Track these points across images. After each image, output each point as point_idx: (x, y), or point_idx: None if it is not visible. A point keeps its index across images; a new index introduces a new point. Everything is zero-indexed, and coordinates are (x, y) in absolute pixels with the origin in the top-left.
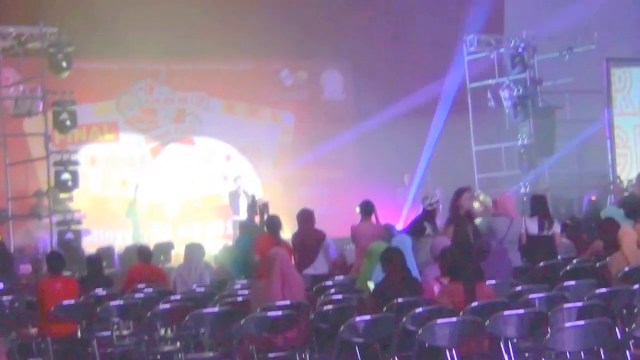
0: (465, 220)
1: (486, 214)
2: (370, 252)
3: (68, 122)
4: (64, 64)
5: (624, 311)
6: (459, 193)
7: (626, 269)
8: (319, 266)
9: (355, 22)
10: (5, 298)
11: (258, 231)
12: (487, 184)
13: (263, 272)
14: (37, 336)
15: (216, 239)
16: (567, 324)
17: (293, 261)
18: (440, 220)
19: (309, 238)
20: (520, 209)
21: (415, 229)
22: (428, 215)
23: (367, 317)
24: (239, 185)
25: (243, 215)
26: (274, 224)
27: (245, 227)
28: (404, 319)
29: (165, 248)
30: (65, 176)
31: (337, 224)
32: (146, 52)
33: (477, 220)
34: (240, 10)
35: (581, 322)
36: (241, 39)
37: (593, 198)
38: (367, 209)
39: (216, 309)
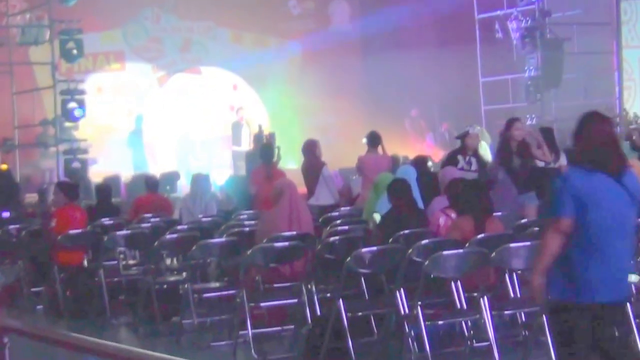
0: (512, 154)
1: None
2: (376, 183)
3: (75, 51)
4: None
5: None
6: (510, 123)
7: None
8: (321, 196)
9: None
10: (12, 227)
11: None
12: (494, 115)
13: (264, 203)
14: (45, 264)
15: (223, 169)
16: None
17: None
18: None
19: (312, 168)
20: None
21: (448, 162)
22: (462, 148)
23: (374, 248)
24: (242, 116)
25: (244, 146)
26: (266, 153)
27: (252, 158)
28: (410, 250)
29: (171, 178)
30: (72, 105)
31: (344, 154)
32: None
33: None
34: None
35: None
36: None
37: None
38: (374, 139)
39: (223, 239)
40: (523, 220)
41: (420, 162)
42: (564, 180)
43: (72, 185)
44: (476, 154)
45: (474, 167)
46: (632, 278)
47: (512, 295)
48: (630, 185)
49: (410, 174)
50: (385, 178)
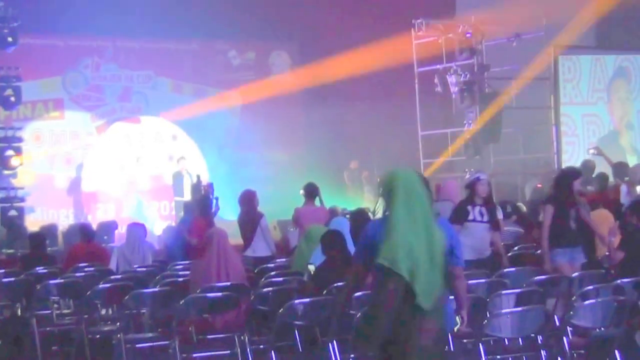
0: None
1: None
2: (308, 235)
3: (12, 98)
4: (10, 39)
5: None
6: (574, 176)
7: None
8: (258, 248)
9: (303, 3)
10: None
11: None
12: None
13: (201, 252)
14: None
15: (161, 219)
16: (504, 310)
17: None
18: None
19: (249, 219)
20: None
21: (457, 215)
22: (470, 198)
23: (307, 300)
24: (183, 166)
25: (186, 196)
26: (203, 205)
27: (189, 208)
28: None
29: (109, 227)
30: (9, 153)
31: (282, 206)
32: (93, 29)
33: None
34: None
35: (518, 309)
36: (189, 18)
37: (539, 185)
38: (311, 191)
39: (156, 289)
40: None
41: (358, 215)
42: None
43: None
44: (487, 203)
45: (485, 217)
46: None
47: None
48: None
49: (343, 226)
50: (317, 230)
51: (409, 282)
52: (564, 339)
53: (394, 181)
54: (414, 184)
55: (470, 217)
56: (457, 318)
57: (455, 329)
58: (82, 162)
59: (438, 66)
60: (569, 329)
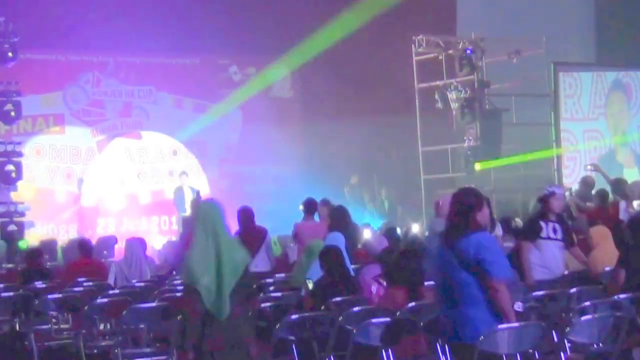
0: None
1: None
2: (309, 249)
3: (13, 113)
4: (10, 54)
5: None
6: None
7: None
8: (260, 263)
9: (304, 19)
10: None
11: None
12: (433, 185)
13: None
14: None
15: (161, 234)
16: (501, 326)
17: None
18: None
19: (250, 235)
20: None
21: (528, 231)
22: (543, 213)
23: (303, 315)
24: (184, 181)
25: (188, 211)
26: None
27: (189, 223)
28: (340, 317)
29: (109, 242)
30: (9, 167)
31: (282, 221)
32: (94, 44)
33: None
34: (189, 5)
35: (515, 325)
36: (190, 34)
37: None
38: (310, 207)
39: (153, 304)
40: None
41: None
42: None
43: None
44: (560, 219)
45: (559, 235)
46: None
47: None
48: (460, 251)
49: (339, 241)
50: (319, 244)
51: (205, 298)
52: (562, 355)
53: (197, 212)
54: (212, 214)
55: (544, 234)
56: None
57: None
58: (83, 177)
59: (438, 82)
60: (566, 345)
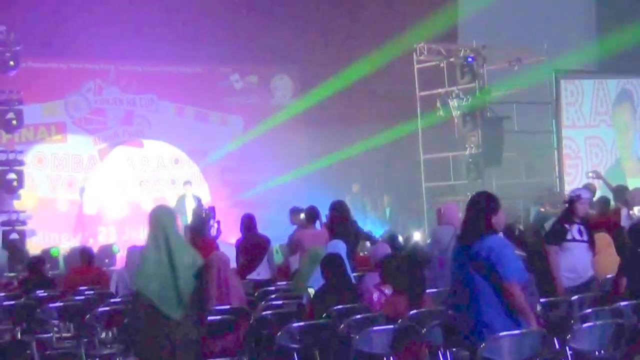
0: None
1: None
2: (311, 257)
3: (14, 122)
4: (12, 63)
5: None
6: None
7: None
8: (263, 272)
9: (305, 27)
10: None
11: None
12: (434, 193)
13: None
14: None
15: None
16: (503, 333)
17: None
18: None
19: (253, 243)
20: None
21: (554, 234)
22: (568, 216)
23: (305, 323)
24: (187, 190)
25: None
26: (197, 229)
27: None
28: (342, 325)
29: (110, 250)
30: (11, 176)
31: (283, 229)
32: (95, 52)
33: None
34: (190, 14)
35: (516, 332)
36: (191, 42)
37: (542, 209)
38: (311, 214)
39: None
40: None
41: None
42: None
43: None
44: (585, 221)
45: (585, 236)
46: None
47: None
48: (474, 254)
49: (340, 249)
50: (320, 251)
51: (156, 302)
52: None
53: (149, 218)
54: (163, 220)
55: (569, 236)
56: None
57: None
58: (85, 186)
59: (440, 90)
60: (568, 352)
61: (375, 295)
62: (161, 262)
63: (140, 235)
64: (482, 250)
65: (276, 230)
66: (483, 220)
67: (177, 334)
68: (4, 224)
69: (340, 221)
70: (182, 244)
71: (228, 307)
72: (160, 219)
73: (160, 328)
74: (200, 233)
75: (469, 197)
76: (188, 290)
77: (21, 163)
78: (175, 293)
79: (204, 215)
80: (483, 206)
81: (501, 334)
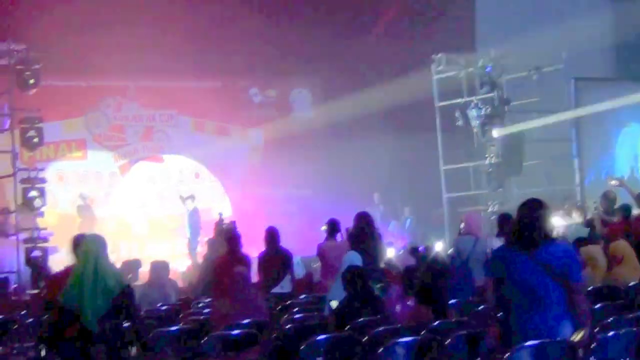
0: None
1: None
2: None
3: (35, 140)
4: (32, 81)
5: None
6: None
7: (590, 288)
8: (286, 285)
9: (323, 40)
10: None
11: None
12: (455, 203)
13: (223, 291)
14: None
15: (184, 257)
16: (526, 343)
17: (257, 279)
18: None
19: (276, 257)
20: (488, 229)
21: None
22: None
23: (329, 335)
24: (189, 206)
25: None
26: (232, 239)
27: (213, 245)
28: (365, 338)
29: (133, 266)
30: (33, 194)
31: (305, 242)
32: (114, 69)
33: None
34: (208, 29)
35: (536, 342)
36: (210, 56)
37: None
38: (333, 227)
39: (178, 328)
40: (480, 308)
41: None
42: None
43: None
44: None
45: None
46: None
47: None
48: (544, 259)
49: (354, 260)
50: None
51: (78, 315)
52: None
53: (82, 244)
54: (94, 246)
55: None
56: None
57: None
58: (106, 202)
59: (459, 100)
60: None
61: (398, 307)
62: (86, 283)
63: (162, 250)
64: (555, 254)
65: (298, 243)
66: (544, 225)
67: (99, 345)
68: (26, 241)
69: (364, 232)
70: (108, 269)
71: (250, 321)
72: (92, 246)
73: (87, 339)
74: (234, 249)
75: (490, 206)
76: (105, 308)
77: (43, 181)
78: (92, 310)
79: (226, 229)
80: (542, 212)
81: (526, 344)
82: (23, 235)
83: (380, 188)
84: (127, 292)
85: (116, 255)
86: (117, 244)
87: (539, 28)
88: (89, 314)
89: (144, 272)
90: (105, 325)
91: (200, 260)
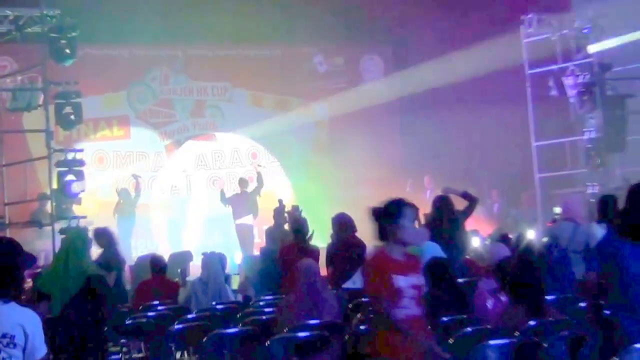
0: None
1: None
2: None
3: (72, 117)
4: (68, 51)
5: None
6: None
7: None
8: (359, 279)
9: (397, 0)
10: None
11: (287, 239)
12: (549, 184)
13: (290, 287)
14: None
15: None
16: (638, 345)
17: (326, 273)
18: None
19: (348, 248)
20: (587, 214)
21: None
22: None
23: None
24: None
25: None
26: (301, 228)
27: (273, 235)
28: (450, 339)
29: (182, 259)
30: (69, 178)
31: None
32: (160, 36)
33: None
34: None
35: None
36: (269, 21)
37: None
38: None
39: (237, 329)
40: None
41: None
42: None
43: None
44: None
45: None
46: None
47: None
48: None
49: (435, 251)
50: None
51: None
52: None
53: (65, 236)
54: (75, 240)
55: None
56: None
57: None
58: (151, 186)
59: (552, 67)
60: None
61: (490, 303)
62: (58, 271)
63: (214, 241)
64: None
65: (369, 230)
66: None
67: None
68: (62, 231)
69: (444, 219)
70: (83, 261)
71: (319, 321)
72: (74, 239)
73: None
74: (301, 238)
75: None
76: (72, 292)
77: (81, 163)
78: (59, 295)
79: (290, 215)
80: None
81: (638, 345)
82: (59, 225)
83: (461, 169)
84: (95, 280)
85: (163, 247)
86: (162, 234)
87: None
88: (58, 300)
89: (196, 265)
90: (69, 310)
91: (256, 252)
